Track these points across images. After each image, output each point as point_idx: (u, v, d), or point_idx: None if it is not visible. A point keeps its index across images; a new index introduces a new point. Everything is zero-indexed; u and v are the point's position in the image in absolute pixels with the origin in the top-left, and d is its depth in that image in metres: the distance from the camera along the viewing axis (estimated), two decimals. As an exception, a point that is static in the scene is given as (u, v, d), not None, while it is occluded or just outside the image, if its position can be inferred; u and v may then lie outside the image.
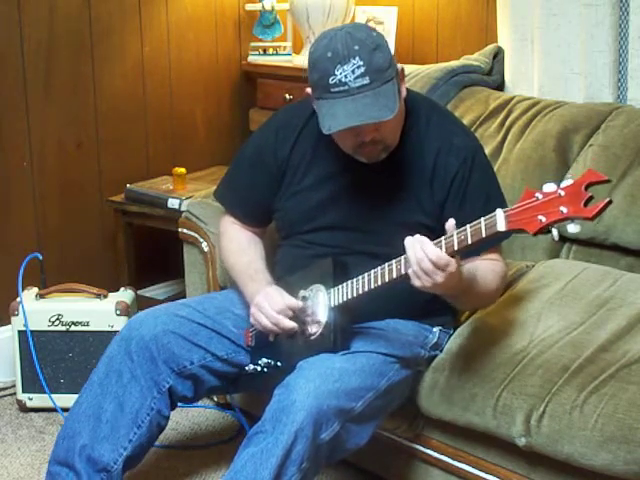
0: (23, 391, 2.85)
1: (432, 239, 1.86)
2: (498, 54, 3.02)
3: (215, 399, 2.85)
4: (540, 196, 1.58)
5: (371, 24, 3.32)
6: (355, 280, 1.93)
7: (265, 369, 2.12)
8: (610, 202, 1.53)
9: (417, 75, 2.96)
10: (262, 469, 1.85)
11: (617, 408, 1.86)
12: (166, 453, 2.62)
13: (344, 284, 1.97)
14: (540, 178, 2.52)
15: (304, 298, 2.06)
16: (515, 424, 1.96)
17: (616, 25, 2.72)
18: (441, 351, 2.16)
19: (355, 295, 1.95)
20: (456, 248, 1.73)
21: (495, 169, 2.64)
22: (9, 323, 2.83)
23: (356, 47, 1.88)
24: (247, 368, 2.15)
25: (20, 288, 2.79)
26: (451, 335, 2.20)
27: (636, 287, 2.30)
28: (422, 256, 1.78)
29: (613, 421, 1.85)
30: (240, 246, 2.29)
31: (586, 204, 1.53)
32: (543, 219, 1.56)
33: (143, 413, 2.12)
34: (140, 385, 2.12)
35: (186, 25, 3.40)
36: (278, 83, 3.40)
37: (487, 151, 2.69)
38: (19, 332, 2.80)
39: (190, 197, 2.99)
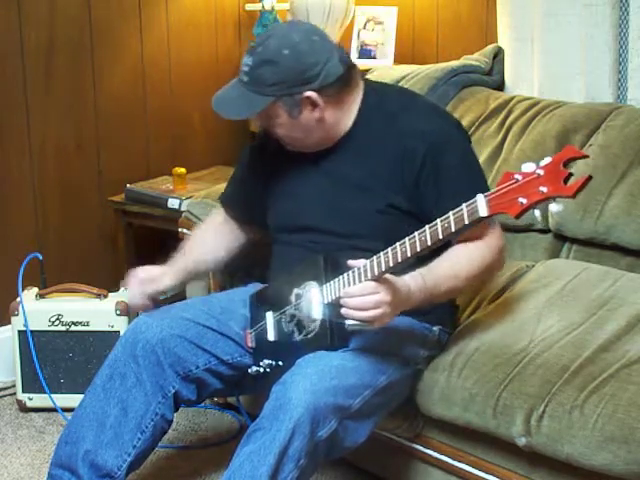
0: (23, 391, 2.85)
1: (407, 222, 1.96)
2: (498, 54, 3.02)
3: (215, 399, 2.85)
4: (519, 177, 1.54)
5: (371, 24, 3.33)
6: (346, 275, 1.92)
7: (267, 370, 2.12)
8: (590, 178, 1.49)
9: (417, 75, 2.96)
10: (260, 466, 1.85)
11: (617, 408, 1.86)
12: (166, 453, 2.62)
13: (335, 280, 1.96)
14: (540, 178, 2.52)
15: (298, 296, 2.06)
16: (515, 424, 1.96)
17: (616, 25, 2.73)
18: (441, 350, 2.16)
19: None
20: (441, 237, 1.70)
21: (495, 169, 2.65)
22: (9, 323, 2.83)
23: (260, 49, 1.99)
24: (250, 370, 2.15)
25: (20, 288, 2.78)
26: (451, 334, 2.20)
27: (636, 287, 2.30)
28: (359, 301, 1.83)
29: (613, 421, 1.85)
30: (200, 231, 2.43)
31: (566, 181, 1.49)
32: (524, 201, 1.53)
33: (147, 418, 2.12)
34: (145, 390, 2.12)
35: (186, 25, 3.40)
36: (278, 83, 3.40)
37: (487, 151, 2.71)
38: (19, 332, 2.80)
39: (190, 197, 2.99)
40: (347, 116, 2.09)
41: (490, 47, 3.04)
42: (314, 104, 2.02)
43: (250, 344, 2.17)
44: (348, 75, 2.05)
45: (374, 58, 3.31)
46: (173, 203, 3.07)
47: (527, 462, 2.04)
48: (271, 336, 2.12)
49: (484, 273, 2.06)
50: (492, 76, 3.01)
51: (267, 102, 2.00)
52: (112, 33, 3.21)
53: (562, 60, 2.83)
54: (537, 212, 1.53)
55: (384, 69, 3.15)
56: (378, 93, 2.14)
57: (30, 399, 2.86)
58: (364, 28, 3.33)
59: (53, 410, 2.80)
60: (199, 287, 2.75)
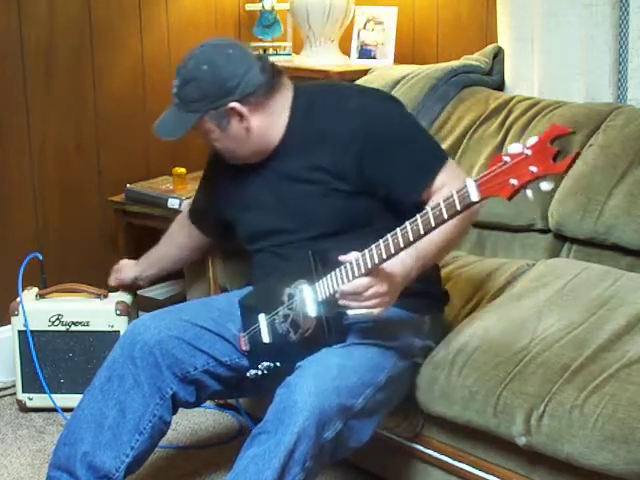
0: (23, 391, 2.85)
1: (359, 202, 2.07)
2: (498, 54, 3.02)
3: (215, 400, 2.85)
4: (508, 159, 1.54)
5: (371, 24, 3.33)
6: (338, 271, 1.90)
7: (266, 372, 2.11)
8: (579, 153, 1.51)
9: (417, 75, 2.97)
10: (265, 469, 1.85)
11: (617, 408, 1.86)
12: (166, 453, 2.62)
13: (328, 277, 1.94)
14: (540, 178, 2.52)
15: (290, 295, 2.05)
16: (515, 423, 1.96)
17: (616, 25, 2.73)
18: (435, 341, 2.17)
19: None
20: (433, 224, 1.69)
21: (495, 169, 2.65)
22: (9, 323, 2.83)
23: (183, 70, 2.10)
24: (248, 374, 2.14)
25: (20, 288, 2.78)
26: (443, 325, 2.21)
27: (636, 287, 2.30)
28: (354, 298, 1.86)
29: (613, 421, 1.85)
30: (167, 232, 2.60)
31: (555, 160, 1.50)
32: (515, 182, 1.53)
33: (145, 420, 2.12)
34: (143, 391, 2.12)
35: (186, 25, 3.40)
36: (278, 83, 3.40)
37: (487, 151, 2.71)
38: (19, 332, 2.80)
39: (190, 197, 2.98)
40: (277, 121, 2.13)
41: (490, 47, 3.04)
42: (240, 114, 2.07)
43: (244, 347, 2.17)
44: (272, 82, 2.10)
45: (374, 58, 3.31)
46: (173, 203, 3.06)
47: (527, 462, 2.04)
48: (266, 338, 2.11)
49: (466, 225, 2.07)
50: (492, 76, 3.01)
51: (195, 118, 2.10)
52: (112, 33, 3.21)
53: (562, 60, 2.83)
54: (529, 192, 1.54)
55: (384, 69, 3.16)
56: (308, 93, 2.18)
57: (30, 399, 2.85)
58: (364, 28, 3.33)
59: (53, 410, 2.80)
60: (198, 288, 2.75)
